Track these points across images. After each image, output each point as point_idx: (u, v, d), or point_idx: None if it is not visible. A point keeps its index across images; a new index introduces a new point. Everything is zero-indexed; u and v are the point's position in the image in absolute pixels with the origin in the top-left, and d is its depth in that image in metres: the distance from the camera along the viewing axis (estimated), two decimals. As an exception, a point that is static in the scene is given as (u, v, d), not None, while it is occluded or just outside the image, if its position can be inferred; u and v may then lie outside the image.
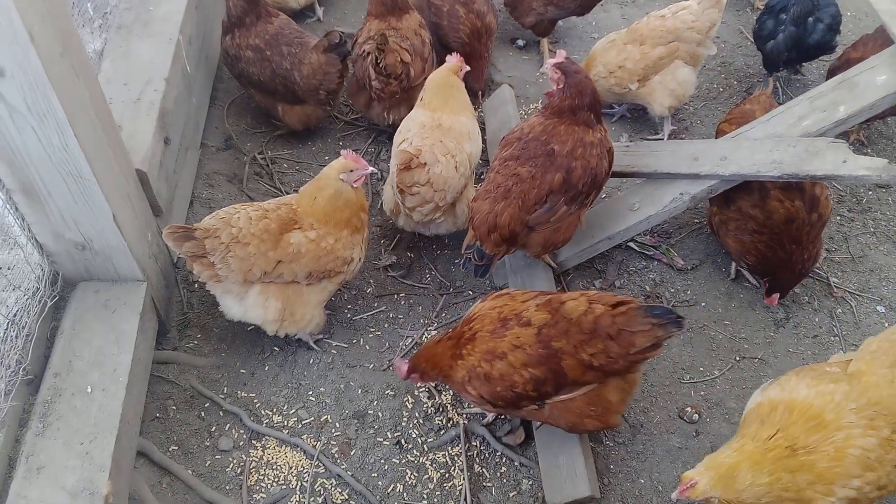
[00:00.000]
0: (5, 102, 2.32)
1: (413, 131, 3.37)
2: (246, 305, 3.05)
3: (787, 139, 3.15)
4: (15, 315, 2.73)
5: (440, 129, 3.36)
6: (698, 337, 3.45)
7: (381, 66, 3.78)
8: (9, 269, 2.79)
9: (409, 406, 3.16)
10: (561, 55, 3.11)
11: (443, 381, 2.84)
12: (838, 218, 3.90)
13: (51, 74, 2.27)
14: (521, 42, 4.87)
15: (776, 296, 3.40)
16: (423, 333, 3.40)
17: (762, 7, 4.94)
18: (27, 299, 2.79)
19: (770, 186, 3.23)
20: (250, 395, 3.17)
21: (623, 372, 2.61)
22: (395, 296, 3.57)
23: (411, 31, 4.01)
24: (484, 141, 4.19)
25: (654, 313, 2.50)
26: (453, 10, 4.26)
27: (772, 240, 3.25)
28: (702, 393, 3.25)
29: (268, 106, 4.10)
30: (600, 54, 4.10)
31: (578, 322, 2.56)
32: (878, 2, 3.01)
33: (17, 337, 2.71)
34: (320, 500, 2.89)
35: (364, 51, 3.89)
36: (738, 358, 3.37)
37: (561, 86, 3.07)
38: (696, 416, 3.17)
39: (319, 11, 4.91)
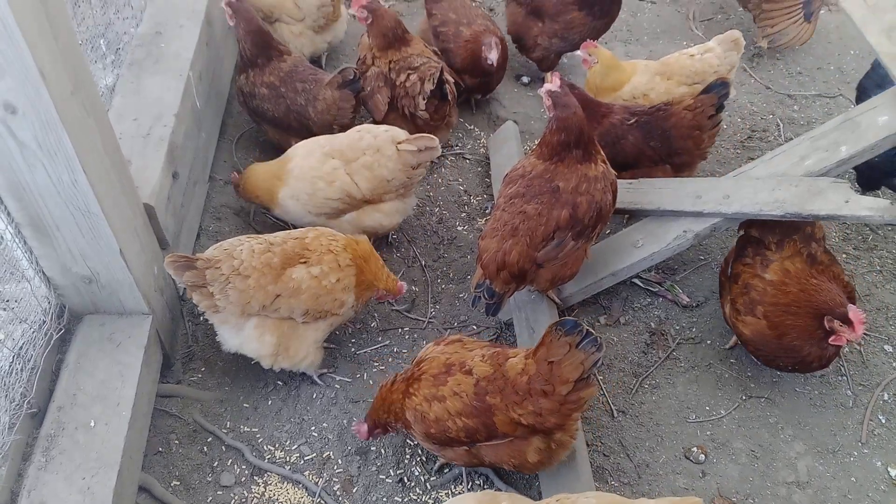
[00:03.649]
0: (16, 139, 2.36)
1: None
2: (242, 338, 3.07)
3: (789, 178, 3.16)
4: (21, 348, 2.75)
5: None
6: (704, 375, 3.42)
7: (449, 100, 3.96)
8: (16, 302, 2.81)
9: (413, 443, 3.14)
10: (556, 79, 3.03)
11: (396, 424, 2.86)
12: (844, 256, 3.90)
13: (62, 112, 2.31)
14: (525, 79, 4.92)
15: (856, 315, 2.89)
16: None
17: (766, 46, 4.99)
18: (33, 332, 2.81)
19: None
20: (253, 429, 3.16)
21: (554, 429, 2.61)
22: (399, 330, 3.57)
23: (435, 55, 4.21)
24: (488, 176, 4.25)
25: (565, 329, 2.48)
26: (457, 31, 4.41)
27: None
28: (708, 432, 3.22)
29: (281, 141, 4.15)
30: (637, 73, 4.09)
31: (514, 381, 2.59)
32: (879, 45, 3.04)
33: (22, 370, 2.72)
34: (321, 538, 2.87)
35: (405, 80, 3.98)
36: (744, 397, 3.34)
37: (550, 114, 3.04)
38: (703, 456, 3.14)
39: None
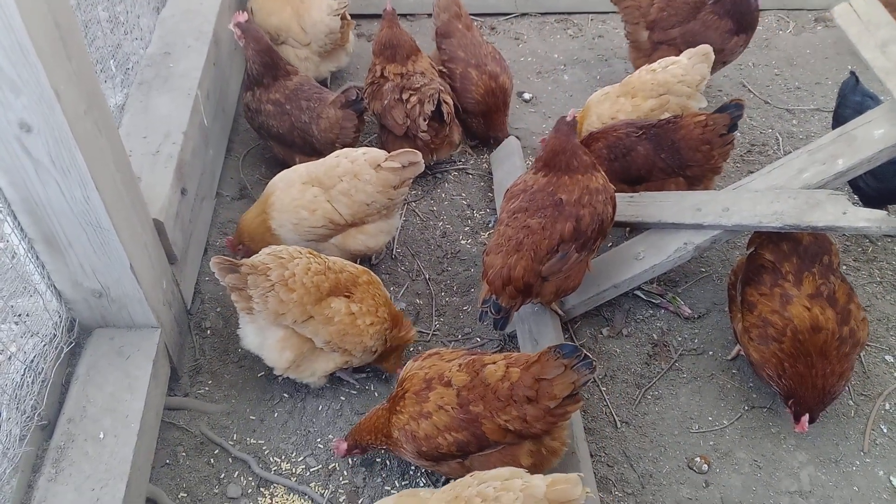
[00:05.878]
0: (31, 157, 2.42)
1: None
2: (264, 343, 3.11)
3: (787, 191, 3.20)
4: (32, 361, 2.79)
5: None
6: (707, 386, 3.45)
7: (447, 121, 4.07)
8: (28, 315, 2.87)
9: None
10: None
11: (385, 444, 2.88)
12: (844, 268, 3.93)
13: (75, 131, 2.37)
14: (527, 95, 5.00)
15: (805, 418, 3.09)
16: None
17: None
18: (44, 346, 2.86)
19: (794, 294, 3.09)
20: (259, 441, 3.20)
21: (541, 434, 2.64)
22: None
23: (435, 71, 4.34)
24: (491, 191, 4.30)
25: (564, 353, 2.53)
26: (466, 73, 4.45)
27: (794, 349, 3.04)
28: (711, 443, 3.25)
29: (285, 157, 4.22)
30: (595, 105, 4.19)
31: (495, 388, 2.61)
32: (874, 59, 3.09)
33: (33, 382, 2.76)
34: (327, 549, 2.89)
35: (407, 100, 4.12)
36: (746, 407, 3.36)
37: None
38: (706, 466, 3.16)
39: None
